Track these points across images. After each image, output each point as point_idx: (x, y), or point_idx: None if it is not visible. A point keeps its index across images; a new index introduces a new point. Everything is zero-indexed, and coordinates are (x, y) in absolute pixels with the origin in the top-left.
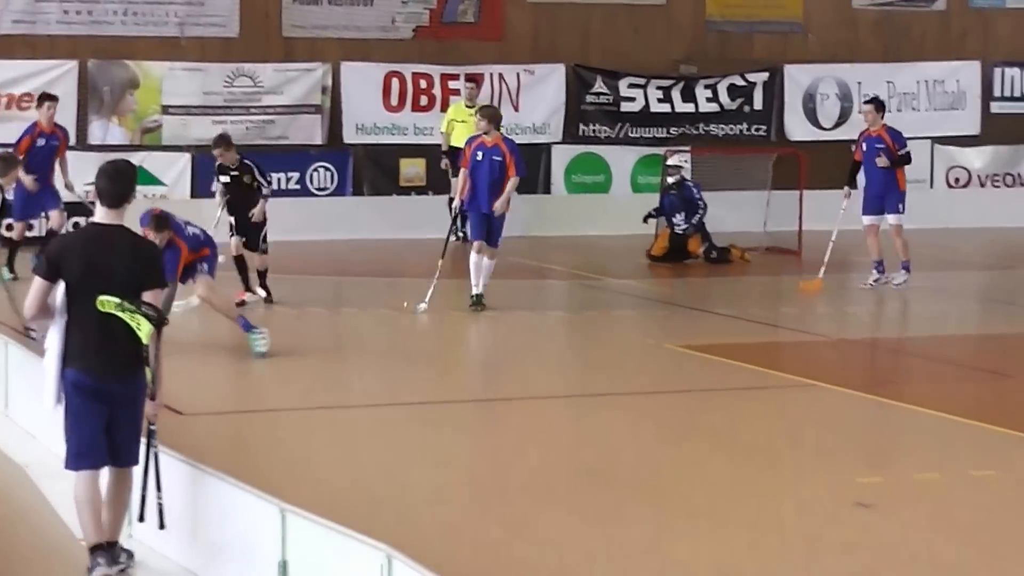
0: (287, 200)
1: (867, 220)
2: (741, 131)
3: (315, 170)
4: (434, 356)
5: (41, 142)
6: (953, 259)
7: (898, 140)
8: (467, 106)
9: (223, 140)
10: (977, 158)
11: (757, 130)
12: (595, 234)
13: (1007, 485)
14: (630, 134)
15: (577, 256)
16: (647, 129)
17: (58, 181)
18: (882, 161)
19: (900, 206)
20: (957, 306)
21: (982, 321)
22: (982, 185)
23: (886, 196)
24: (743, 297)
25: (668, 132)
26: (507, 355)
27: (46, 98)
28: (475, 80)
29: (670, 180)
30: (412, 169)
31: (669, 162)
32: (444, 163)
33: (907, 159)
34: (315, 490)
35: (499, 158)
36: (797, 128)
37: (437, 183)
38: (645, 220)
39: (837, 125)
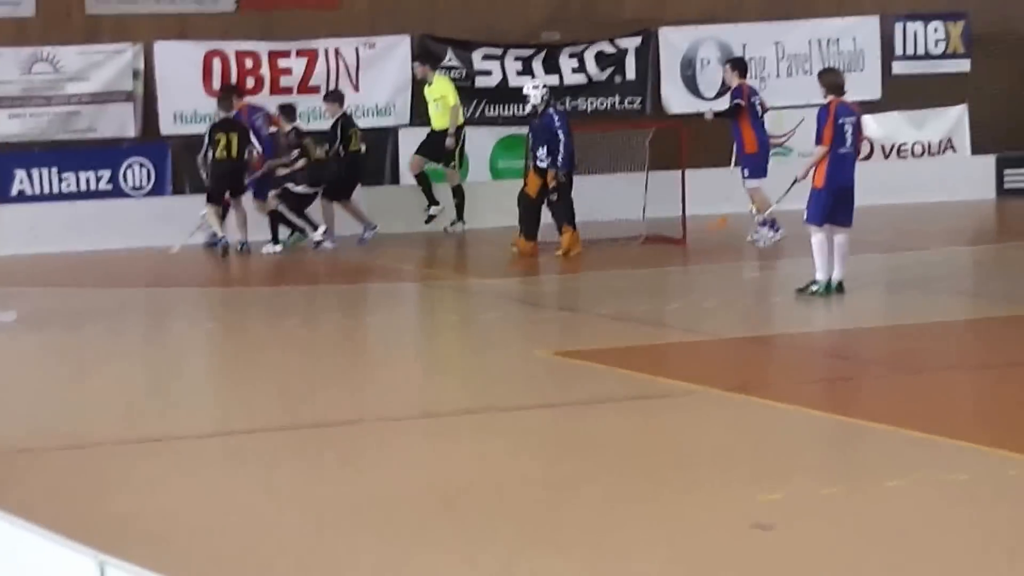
0: (97, 202)
1: None
2: (613, 104)
3: (129, 167)
4: (286, 372)
5: None
6: (856, 240)
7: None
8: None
9: None
10: (879, 125)
11: (631, 103)
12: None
13: (919, 496)
14: (487, 113)
15: (433, 253)
16: (506, 106)
17: None
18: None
19: (745, 170)
20: (861, 294)
21: (888, 311)
22: (886, 156)
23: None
24: (622, 294)
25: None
26: (351, 371)
27: None
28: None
29: (527, 110)
30: None
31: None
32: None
33: (724, 112)
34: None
35: None
36: (676, 99)
37: None
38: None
39: (720, 94)
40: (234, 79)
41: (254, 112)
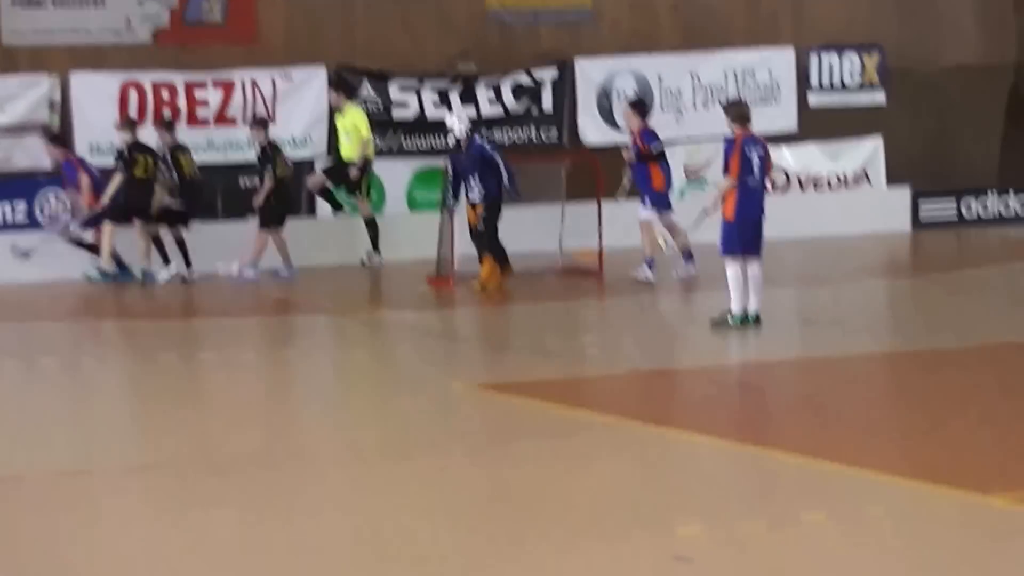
0: (12, 234)
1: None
2: (529, 136)
3: (45, 199)
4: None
5: None
6: (771, 273)
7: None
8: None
9: None
10: (795, 157)
11: (548, 134)
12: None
13: (838, 529)
14: (404, 145)
15: (347, 288)
16: (423, 138)
17: None
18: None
19: (646, 199)
20: (777, 326)
21: (804, 344)
22: (802, 188)
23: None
24: (539, 326)
25: (447, 141)
26: (266, 409)
27: None
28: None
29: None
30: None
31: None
32: None
33: (651, 157)
34: None
35: None
36: (592, 130)
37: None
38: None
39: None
40: (151, 110)
41: (72, 164)
